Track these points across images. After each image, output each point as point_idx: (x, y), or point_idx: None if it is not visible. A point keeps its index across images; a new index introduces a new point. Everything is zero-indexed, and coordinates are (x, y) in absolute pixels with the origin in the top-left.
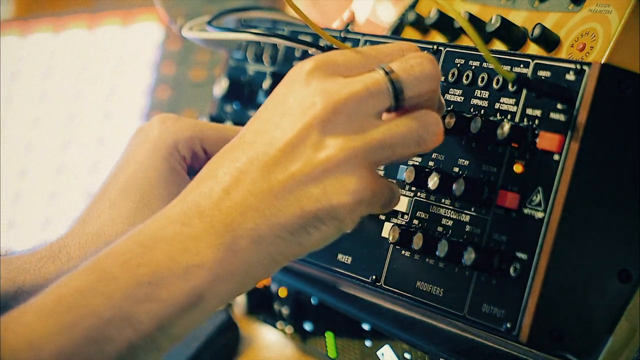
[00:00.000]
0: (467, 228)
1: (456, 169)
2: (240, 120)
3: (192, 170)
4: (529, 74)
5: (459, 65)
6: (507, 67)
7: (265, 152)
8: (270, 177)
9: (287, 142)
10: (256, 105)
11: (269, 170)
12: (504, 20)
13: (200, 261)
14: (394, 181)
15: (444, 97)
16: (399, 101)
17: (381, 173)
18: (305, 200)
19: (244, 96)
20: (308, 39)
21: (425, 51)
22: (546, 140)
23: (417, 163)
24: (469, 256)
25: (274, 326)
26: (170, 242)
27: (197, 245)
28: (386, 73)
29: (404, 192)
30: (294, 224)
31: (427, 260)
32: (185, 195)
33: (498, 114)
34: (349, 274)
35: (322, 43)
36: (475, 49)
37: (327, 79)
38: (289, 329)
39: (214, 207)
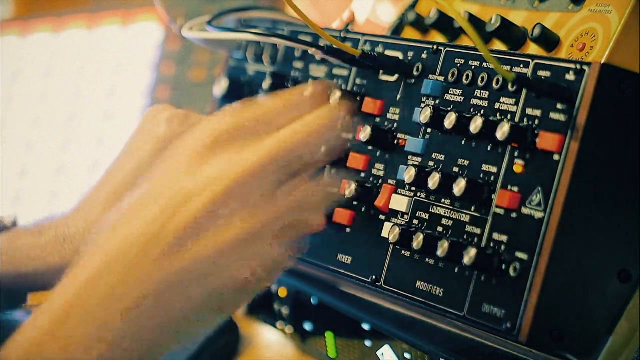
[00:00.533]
0: (467, 228)
1: (456, 169)
2: None
3: None
4: (529, 74)
5: (459, 65)
6: (507, 67)
7: (157, 245)
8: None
9: (179, 226)
10: None
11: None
12: (504, 20)
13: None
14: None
15: (443, 97)
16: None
17: (381, 173)
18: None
19: (244, 96)
20: (308, 39)
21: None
22: (546, 140)
23: (417, 163)
24: (469, 256)
25: (274, 326)
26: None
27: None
28: (280, 142)
29: (404, 192)
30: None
31: (427, 260)
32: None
33: (498, 114)
34: (349, 274)
35: (322, 43)
36: (475, 49)
37: (214, 158)
38: (289, 329)
39: None
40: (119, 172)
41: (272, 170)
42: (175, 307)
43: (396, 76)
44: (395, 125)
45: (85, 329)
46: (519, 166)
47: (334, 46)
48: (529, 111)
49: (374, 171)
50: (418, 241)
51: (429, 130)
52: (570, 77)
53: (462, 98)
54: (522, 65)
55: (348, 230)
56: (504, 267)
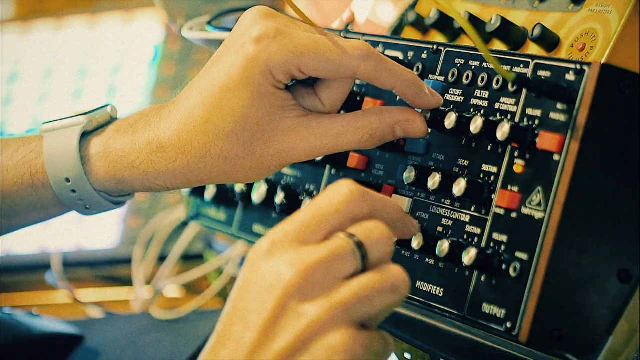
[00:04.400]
0: (467, 228)
1: (456, 169)
2: None
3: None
4: (529, 74)
5: (459, 65)
6: (507, 67)
7: (245, 339)
8: None
9: (264, 322)
10: None
11: (254, 356)
12: (504, 20)
13: None
14: (384, 332)
15: (443, 97)
16: (365, 264)
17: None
18: None
19: None
20: None
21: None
22: (546, 140)
23: (417, 163)
24: (469, 256)
25: None
26: None
27: None
28: (350, 236)
29: (404, 192)
30: None
31: (427, 260)
32: None
33: (498, 114)
34: None
35: None
36: (475, 49)
37: (288, 251)
38: None
39: None
40: (209, 88)
41: (345, 261)
42: None
43: None
44: None
45: None
46: (519, 166)
47: None
48: (529, 111)
49: (374, 171)
50: (418, 241)
51: (429, 130)
52: (570, 77)
53: (462, 98)
54: (522, 65)
55: None
56: (504, 267)
